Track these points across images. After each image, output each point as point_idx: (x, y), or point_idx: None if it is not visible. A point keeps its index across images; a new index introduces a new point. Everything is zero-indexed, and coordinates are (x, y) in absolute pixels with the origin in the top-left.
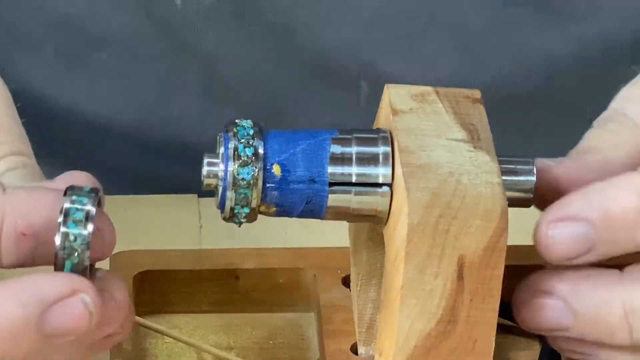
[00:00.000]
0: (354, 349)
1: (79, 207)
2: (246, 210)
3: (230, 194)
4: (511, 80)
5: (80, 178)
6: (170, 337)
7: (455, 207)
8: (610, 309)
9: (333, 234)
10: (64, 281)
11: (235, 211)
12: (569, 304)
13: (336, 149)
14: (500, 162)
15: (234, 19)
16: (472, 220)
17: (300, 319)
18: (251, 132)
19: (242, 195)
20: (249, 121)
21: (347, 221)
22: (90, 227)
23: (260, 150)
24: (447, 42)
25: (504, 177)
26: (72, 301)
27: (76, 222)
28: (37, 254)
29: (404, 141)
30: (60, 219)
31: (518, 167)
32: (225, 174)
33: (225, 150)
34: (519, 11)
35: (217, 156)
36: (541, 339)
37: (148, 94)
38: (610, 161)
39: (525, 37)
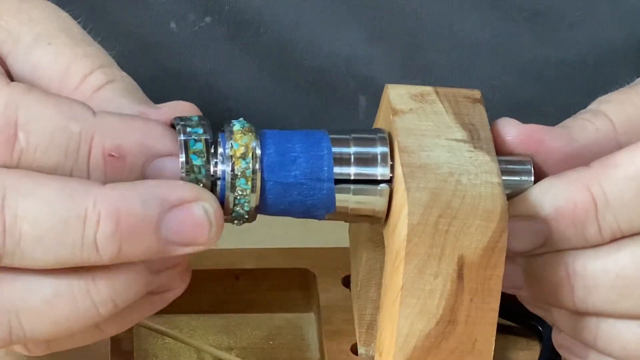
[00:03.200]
0: (354, 349)
1: (196, 137)
2: (245, 210)
3: (228, 194)
4: (510, 91)
5: (185, 108)
6: (170, 337)
7: (455, 207)
8: (555, 269)
9: (333, 234)
10: (187, 187)
11: (234, 211)
12: (517, 263)
13: (335, 149)
14: (499, 162)
15: (229, 40)
16: (472, 220)
17: (300, 319)
18: (248, 132)
19: (241, 195)
20: (245, 121)
21: (346, 221)
22: (210, 156)
23: (258, 151)
24: (445, 56)
25: (503, 177)
26: (192, 206)
27: (197, 154)
28: (126, 180)
29: (404, 141)
30: (182, 154)
31: (516, 167)
32: (223, 174)
33: (223, 150)
34: (515, 22)
35: (215, 156)
36: (541, 338)
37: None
38: (575, 140)
39: (522, 47)
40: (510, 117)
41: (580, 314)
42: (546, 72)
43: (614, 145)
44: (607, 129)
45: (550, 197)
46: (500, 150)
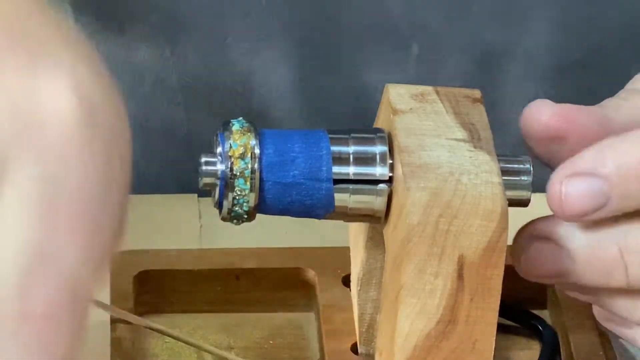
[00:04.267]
0: (354, 349)
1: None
2: (244, 209)
3: (227, 194)
4: (558, 48)
5: None
6: (171, 337)
7: (456, 207)
8: (606, 247)
9: (333, 234)
10: None
11: (233, 211)
12: (565, 246)
13: (334, 149)
14: (498, 162)
15: None
16: (473, 219)
17: (300, 319)
18: (247, 131)
19: (240, 195)
20: (244, 121)
21: (345, 221)
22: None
23: (257, 150)
24: (497, 5)
25: (502, 177)
26: None
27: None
28: None
29: (404, 141)
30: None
31: (515, 166)
32: (222, 174)
33: (222, 149)
34: None
35: (214, 155)
36: (541, 338)
37: (147, 92)
38: (610, 119)
39: (571, 3)
40: (558, 77)
41: (633, 292)
42: (598, 32)
43: None
44: None
45: (611, 154)
46: (535, 131)
